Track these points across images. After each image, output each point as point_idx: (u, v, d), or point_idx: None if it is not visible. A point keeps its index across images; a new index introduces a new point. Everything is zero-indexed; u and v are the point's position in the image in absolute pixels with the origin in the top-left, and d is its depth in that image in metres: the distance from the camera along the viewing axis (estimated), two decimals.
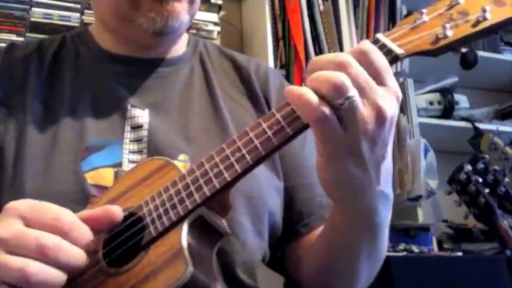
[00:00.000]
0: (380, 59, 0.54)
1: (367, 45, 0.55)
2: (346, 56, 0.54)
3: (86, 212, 0.59)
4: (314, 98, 0.52)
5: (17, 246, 0.53)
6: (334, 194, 0.62)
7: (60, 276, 0.53)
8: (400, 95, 0.56)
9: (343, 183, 0.58)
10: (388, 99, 0.54)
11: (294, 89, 0.54)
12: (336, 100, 0.52)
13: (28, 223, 0.54)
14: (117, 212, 0.59)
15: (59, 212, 0.55)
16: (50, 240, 0.53)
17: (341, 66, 0.53)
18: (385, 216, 0.65)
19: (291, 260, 0.84)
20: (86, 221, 0.58)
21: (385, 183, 0.61)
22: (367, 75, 0.54)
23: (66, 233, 0.54)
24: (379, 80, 0.54)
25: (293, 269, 0.84)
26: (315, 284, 0.79)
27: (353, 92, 0.52)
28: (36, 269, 0.51)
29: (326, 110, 0.52)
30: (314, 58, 0.56)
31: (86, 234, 0.56)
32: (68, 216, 0.56)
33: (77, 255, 0.55)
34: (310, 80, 0.54)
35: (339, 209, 0.66)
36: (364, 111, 0.53)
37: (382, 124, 0.54)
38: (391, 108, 0.54)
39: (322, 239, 0.76)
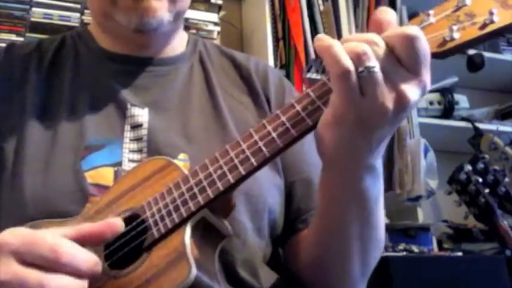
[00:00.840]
0: (420, 49, 0.54)
1: (413, 30, 0.54)
2: (373, 36, 0.55)
3: (87, 227, 0.57)
4: (342, 52, 0.53)
5: None
6: (326, 154, 0.62)
7: None
8: (428, 88, 0.56)
9: (341, 147, 0.58)
10: (414, 87, 0.55)
11: (324, 38, 0.55)
12: (357, 66, 0.53)
13: (23, 258, 0.53)
14: (119, 225, 0.58)
15: (54, 243, 0.53)
16: (53, 282, 0.52)
17: (367, 42, 0.54)
18: (371, 186, 0.64)
19: (289, 257, 0.84)
20: (86, 235, 0.57)
21: (378, 157, 0.61)
22: (394, 59, 0.54)
23: (65, 265, 0.53)
24: (413, 69, 0.54)
25: (292, 265, 0.84)
26: (311, 278, 0.79)
27: (373, 63, 0.53)
28: None
29: (351, 67, 0.53)
30: (344, 37, 0.57)
31: (86, 260, 0.54)
32: (65, 249, 0.53)
33: (82, 286, 0.54)
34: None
35: (326, 172, 0.65)
36: (385, 89, 0.54)
37: (401, 109, 0.55)
38: (414, 97, 0.55)
39: (313, 225, 0.75)
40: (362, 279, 0.78)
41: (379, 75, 0.53)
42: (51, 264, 0.52)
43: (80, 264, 0.53)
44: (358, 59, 0.53)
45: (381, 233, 0.74)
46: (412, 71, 0.54)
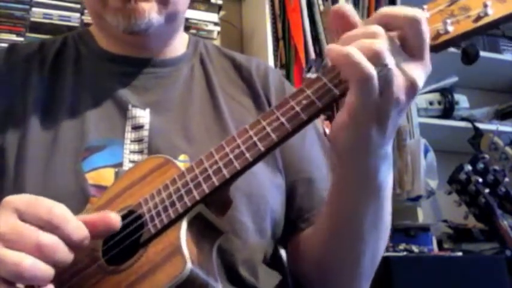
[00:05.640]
0: (425, 32, 0.55)
1: (420, 14, 0.55)
2: (375, 28, 0.55)
3: (82, 217, 0.58)
4: (362, 58, 0.53)
5: (15, 242, 0.53)
6: (344, 153, 0.62)
7: (50, 272, 0.54)
8: (430, 70, 0.57)
9: (359, 144, 0.59)
10: (421, 72, 0.56)
11: (338, 48, 0.55)
12: (376, 67, 0.53)
13: (22, 216, 0.55)
14: (114, 218, 0.58)
15: (52, 206, 0.56)
16: (48, 239, 0.54)
17: (376, 36, 0.54)
18: (386, 176, 0.65)
19: (292, 256, 0.84)
20: (85, 223, 0.57)
21: (390, 142, 0.63)
22: (398, 46, 0.55)
23: (57, 227, 0.54)
24: (418, 52, 0.56)
25: (294, 265, 0.84)
26: (316, 277, 0.79)
27: (390, 60, 0.54)
28: (31, 264, 0.52)
29: (373, 71, 0.53)
30: (345, 34, 0.57)
31: (77, 227, 0.56)
32: (60, 210, 0.56)
33: (70, 256, 0.55)
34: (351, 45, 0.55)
35: (344, 169, 0.66)
36: (399, 82, 0.55)
37: (411, 95, 0.56)
38: (421, 80, 0.56)
39: (322, 221, 0.75)
40: (369, 276, 0.77)
41: (396, 70, 0.54)
42: (45, 224, 0.54)
43: (69, 230, 0.55)
44: (376, 59, 0.53)
45: (388, 225, 0.74)
46: (417, 54, 0.56)
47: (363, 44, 0.54)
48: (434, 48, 0.56)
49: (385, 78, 0.54)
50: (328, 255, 0.76)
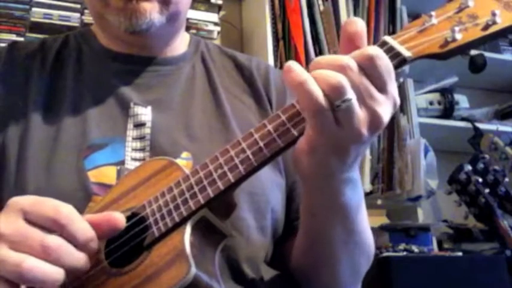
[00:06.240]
0: (385, 65, 0.54)
1: (373, 50, 0.54)
2: (346, 59, 0.54)
3: (87, 217, 0.58)
4: (316, 89, 0.52)
5: (19, 243, 0.53)
6: (305, 176, 0.63)
7: (57, 274, 0.54)
8: (398, 102, 0.56)
9: (318, 169, 0.59)
10: (386, 106, 0.55)
11: (296, 73, 0.53)
12: (333, 101, 0.52)
13: (28, 217, 0.55)
14: (119, 218, 0.59)
15: (59, 206, 0.56)
16: (53, 241, 0.54)
17: (341, 69, 0.53)
18: (352, 197, 0.65)
19: (285, 257, 0.85)
20: (90, 223, 0.58)
21: (355, 169, 0.62)
22: (367, 81, 0.54)
23: (63, 227, 0.54)
24: (380, 86, 0.55)
25: (288, 265, 0.84)
26: (302, 280, 0.80)
27: (350, 95, 0.52)
28: (32, 265, 0.52)
29: (325, 105, 0.52)
30: (315, 58, 0.56)
31: (83, 228, 0.56)
32: (67, 210, 0.56)
33: (80, 259, 0.56)
34: (311, 75, 0.54)
35: (308, 191, 0.67)
36: (361, 115, 0.54)
37: (376, 130, 0.55)
38: (387, 116, 0.55)
39: (299, 234, 0.76)
40: (353, 283, 0.79)
41: (356, 105, 0.53)
42: (51, 224, 0.54)
43: (75, 231, 0.55)
44: (334, 92, 0.52)
45: (367, 236, 0.75)
46: (382, 89, 0.55)
47: (325, 76, 0.53)
48: (442, 56, 0.56)
49: (346, 112, 0.53)
50: (305, 264, 0.78)
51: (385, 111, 0.55)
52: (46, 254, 0.53)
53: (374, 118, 0.54)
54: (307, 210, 0.70)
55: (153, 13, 0.79)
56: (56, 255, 0.53)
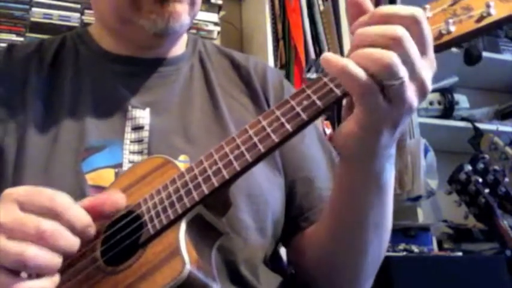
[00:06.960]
0: (428, 28, 0.54)
1: (420, 13, 0.53)
2: (398, 30, 0.52)
3: (88, 199, 0.60)
4: (359, 72, 0.51)
5: (16, 231, 0.54)
6: (351, 158, 0.63)
7: (56, 260, 0.55)
8: (435, 68, 0.56)
9: (368, 149, 0.59)
10: (429, 71, 0.54)
11: (333, 59, 0.53)
12: (386, 81, 0.51)
13: (23, 206, 0.55)
14: (119, 197, 0.60)
15: (54, 194, 0.56)
16: (49, 225, 0.54)
17: (393, 41, 0.51)
18: (390, 175, 0.66)
19: (293, 255, 0.84)
20: (88, 207, 0.59)
21: (395, 143, 0.62)
22: (416, 50, 0.53)
23: (59, 213, 0.55)
24: (423, 51, 0.54)
25: (296, 263, 0.84)
26: (319, 276, 0.79)
27: (403, 73, 0.52)
28: (34, 253, 0.53)
29: (373, 85, 0.52)
30: (360, 29, 0.54)
31: (79, 214, 0.57)
32: (61, 198, 0.56)
33: (77, 243, 0.56)
34: (357, 56, 0.53)
35: (349, 172, 0.66)
36: (411, 88, 0.53)
37: (423, 96, 0.55)
38: (430, 81, 0.55)
39: (324, 221, 0.75)
40: (371, 275, 0.78)
41: (408, 82, 0.52)
42: (47, 212, 0.55)
43: (71, 217, 0.56)
44: (386, 73, 0.51)
45: (391, 220, 0.74)
46: (424, 53, 0.54)
47: (375, 56, 0.51)
48: (436, 49, 0.55)
49: (397, 89, 0.52)
50: (330, 254, 0.76)
51: (429, 76, 0.54)
52: (43, 240, 0.53)
53: (422, 86, 0.54)
54: (344, 194, 0.69)
55: (184, 15, 0.80)
56: (52, 240, 0.54)
